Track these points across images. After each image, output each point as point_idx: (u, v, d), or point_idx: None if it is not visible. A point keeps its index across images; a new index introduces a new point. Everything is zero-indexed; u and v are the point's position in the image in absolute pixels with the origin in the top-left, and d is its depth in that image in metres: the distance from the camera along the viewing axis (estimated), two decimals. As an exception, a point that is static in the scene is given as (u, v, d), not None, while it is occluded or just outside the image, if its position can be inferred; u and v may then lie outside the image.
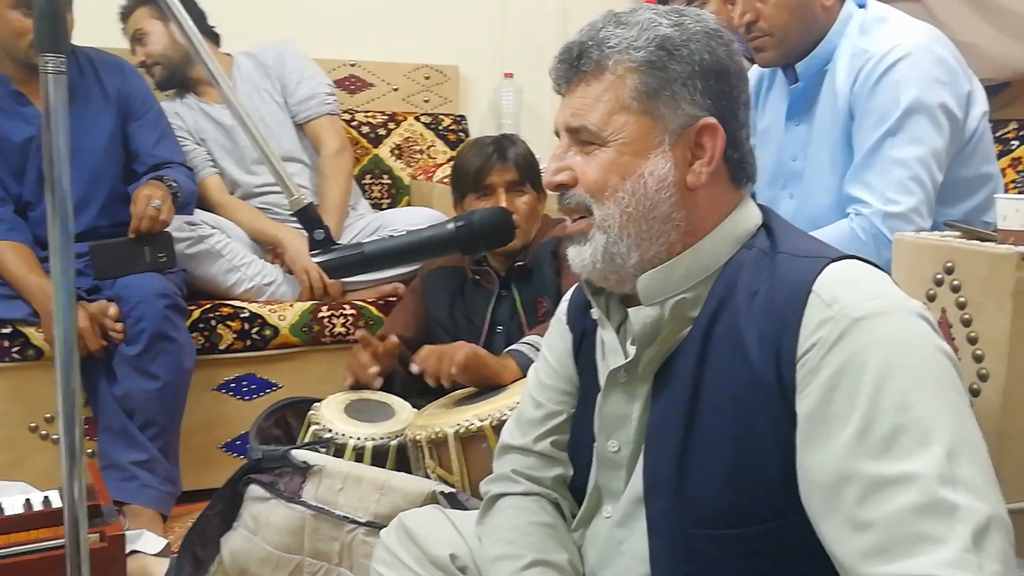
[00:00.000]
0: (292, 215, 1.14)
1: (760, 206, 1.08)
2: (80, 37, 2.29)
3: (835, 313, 0.89)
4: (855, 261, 0.96)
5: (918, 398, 0.85)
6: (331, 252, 1.14)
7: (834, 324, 0.88)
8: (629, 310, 1.04)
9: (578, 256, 1.05)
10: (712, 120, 1.00)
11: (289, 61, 2.85)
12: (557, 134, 1.07)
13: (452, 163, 2.26)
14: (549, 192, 1.16)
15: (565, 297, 1.25)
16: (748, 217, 1.04)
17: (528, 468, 1.21)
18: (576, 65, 1.03)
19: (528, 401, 1.25)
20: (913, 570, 0.79)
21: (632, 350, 1.04)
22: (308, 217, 1.14)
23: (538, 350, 1.87)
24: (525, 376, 1.81)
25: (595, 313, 1.11)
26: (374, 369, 1.99)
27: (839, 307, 0.89)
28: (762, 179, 2.03)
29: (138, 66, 2.67)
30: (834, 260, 0.94)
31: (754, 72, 2.04)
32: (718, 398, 0.96)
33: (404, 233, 1.18)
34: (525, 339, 1.93)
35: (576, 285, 1.22)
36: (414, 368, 1.89)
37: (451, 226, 1.15)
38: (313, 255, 1.14)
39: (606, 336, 1.10)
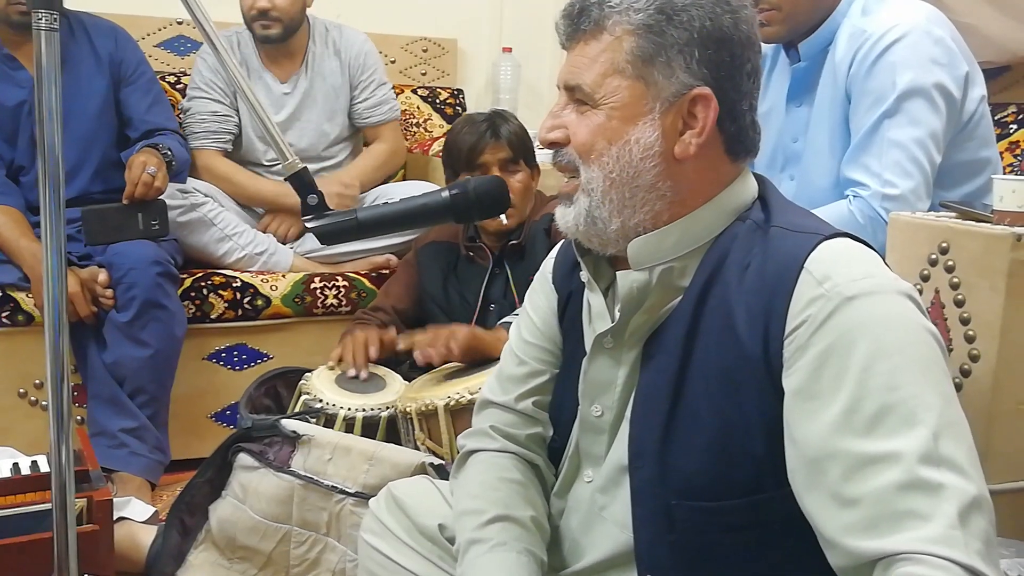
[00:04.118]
0: (286, 179, 1.13)
1: (758, 178, 1.07)
2: (71, 1, 2.26)
3: (826, 291, 0.89)
4: (848, 239, 0.95)
5: (906, 378, 0.85)
6: (324, 218, 1.13)
7: (825, 302, 0.88)
8: (617, 274, 1.03)
9: (563, 217, 1.05)
10: (706, 90, 0.98)
11: (370, 65, 2.78)
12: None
13: (445, 140, 2.24)
14: (544, 156, 1.15)
15: (551, 255, 1.24)
16: (745, 190, 1.03)
17: (506, 425, 1.21)
18: (576, 22, 1.01)
19: (510, 358, 1.24)
20: (900, 545, 0.80)
21: (619, 315, 1.03)
22: (302, 182, 1.13)
23: None
24: None
25: (584, 276, 1.10)
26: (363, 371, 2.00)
27: (830, 285, 0.89)
28: (762, 160, 2.02)
29: (258, 15, 2.54)
30: (827, 237, 0.94)
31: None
32: (706, 370, 0.96)
33: (398, 200, 1.16)
34: (519, 311, 1.93)
35: (563, 243, 1.21)
36: (403, 344, 1.90)
37: (446, 194, 1.14)
38: (306, 220, 1.13)
39: (593, 299, 1.09)
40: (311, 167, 2.62)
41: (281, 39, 2.62)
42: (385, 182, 3.12)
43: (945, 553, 0.78)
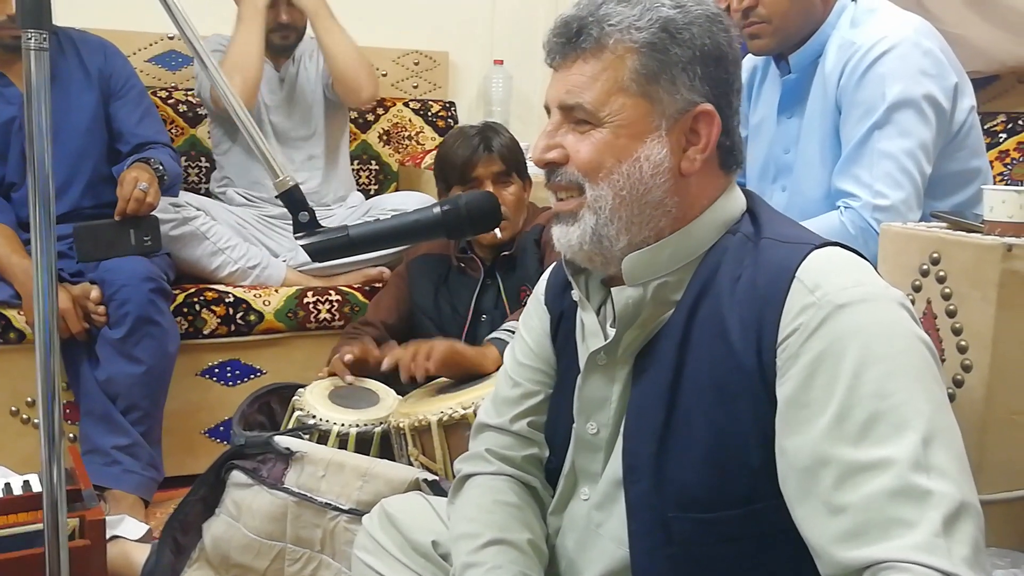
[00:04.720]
0: (276, 197, 1.13)
1: (745, 191, 1.08)
2: (61, 17, 2.26)
3: (817, 299, 0.89)
4: (838, 248, 0.96)
5: (896, 385, 0.85)
6: (316, 235, 1.12)
7: (816, 310, 0.89)
8: (612, 290, 1.04)
9: (565, 236, 1.04)
10: (709, 107, 0.99)
11: None
12: (547, 109, 1.05)
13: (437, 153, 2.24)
14: (536, 170, 1.14)
15: (543, 277, 1.24)
16: (734, 202, 1.04)
17: (502, 447, 1.21)
18: (574, 41, 1.01)
19: (505, 380, 1.24)
20: (884, 554, 0.80)
21: (612, 332, 1.04)
22: (293, 200, 1.12)
23: None
24: None
25: (575, 294, 1.10)
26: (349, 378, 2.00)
27: (821, 293, 0.89)
28: (753, 172, 2.03)
29: (277, 27, 2.70)
30: (817, 247, 0.95)
31: (747, 64, 2.03)
32: (699, 382, 0.97)
33: (390, 216, 1.16)
34: (505, 326, 1.93)
35: (554, 264, 1.21)
36: (386, 364, 1.89)
37: (437, 210, 1.14)
38: (298, 238, 1.13)
39: (586, 318, 1.09)
40: (300, 150, 2.75)
41: (294, 45, 2.80)
42: (378, 193, 3.14)
43: (929, 561, 0.78)
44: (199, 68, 2.71)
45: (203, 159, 2.99)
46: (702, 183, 1.02)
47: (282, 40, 2.75)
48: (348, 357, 2.00)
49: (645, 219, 1.00)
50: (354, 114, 3.20)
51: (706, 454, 0.95)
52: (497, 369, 1.83)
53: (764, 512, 0.94)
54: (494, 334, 1.91)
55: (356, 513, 1.56)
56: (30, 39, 0.99)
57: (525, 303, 2.00)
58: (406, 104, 3.33)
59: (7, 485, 1.59)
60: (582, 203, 1.02)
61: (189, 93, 3.01)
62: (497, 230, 1.93)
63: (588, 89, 0.99)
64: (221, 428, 2.47)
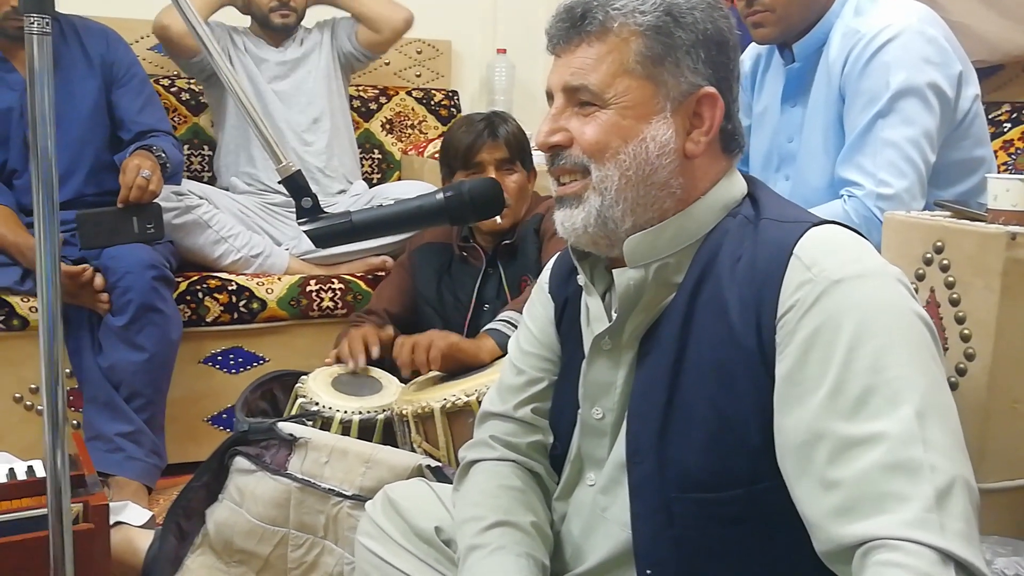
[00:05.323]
0: (280, 183, 1.13)
1: (747, 177, 1.08)
2: (64, 4, 2.25)
3: (814, 275, 0.90)
4: (837, 227, 0.97)
5: (891, 360, 0.85)
6: (319, 220, 1.12)
7: (812, 286, 0.89)
8: (614, 271, 1.04)
9: (569, 220, 1.04)
10: (713, 90, 1.01)
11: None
12: (548, 96, 1.06)
13: (443, 139, 2.24)
14: (540, 158, 1.15)
15: (547, 266, 1.25)
16: (735, 186, 1.05)
17: (506, 434, 1.21)
18: (579, 25, 1.01)
19: (509, 368, 1.25)
20: (876, 529, 0.80)
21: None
22: (296, 185, 1.12)
23: (515, 326, 1.88)
24: (504, 354, 1.82)
25: (581, 279, 1.10)
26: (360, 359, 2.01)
27: (818, 269, 0.90)
28: (757, 161, 2.02)
29: (278, 5, 2.74)
30: (816, 225, 0.95)
31: (750, 53, 2.02)
32: (701, 363, 0.97)
33: (393, 203, 1.16)
34: (501, 316, 1.93)
35: (558, 254, 1.21)
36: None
37: (440, 196, 1.14)
38: (301, 223, 1.13)
39: (591, 303, 1.10)
40: (304, 113, 2.79)
41: (294, 27, 2.82)
42: (381, 182, 3.14)
43: (922, 538, 0.78)
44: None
45: (205, 147, 2.99)
46: (705, 165, 1.03)
47: (282, 19, 2.75)
48: (375, 350, 2.01)
49: (650, 200, 1.01)
50: (357, 102, 3.20)
51: (707, 434, 0.96)
52: (493, 360, 1.83)
53: (765, 493, 0.94)
54: (490, 324, 1.91)
55: (359, 499, 1.57)
56: (32, 23, 0.99)
57: (524, 292, 2.02)
58: (409, 93, 3.32)
59: (11, 471, 1.60)
60: (586, 185, 1.02)
61: (192, 81, 3.00)
62: (498, 216, 1.93)
63: (594, 71, 1.00)
64: (224, 415, 2.48)
